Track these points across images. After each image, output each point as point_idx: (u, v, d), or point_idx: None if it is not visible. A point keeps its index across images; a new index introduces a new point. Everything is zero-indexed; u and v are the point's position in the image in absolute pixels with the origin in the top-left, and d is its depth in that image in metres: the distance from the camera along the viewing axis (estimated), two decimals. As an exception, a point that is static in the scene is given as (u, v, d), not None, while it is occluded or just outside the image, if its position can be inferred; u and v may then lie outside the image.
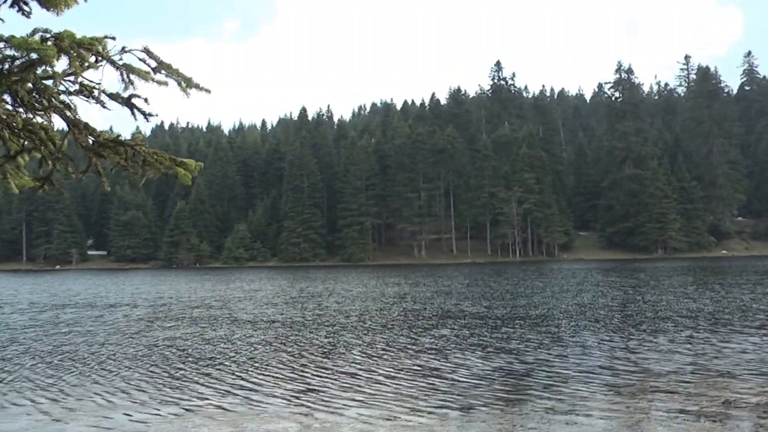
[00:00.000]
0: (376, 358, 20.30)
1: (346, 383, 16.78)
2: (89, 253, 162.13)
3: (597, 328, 26.25)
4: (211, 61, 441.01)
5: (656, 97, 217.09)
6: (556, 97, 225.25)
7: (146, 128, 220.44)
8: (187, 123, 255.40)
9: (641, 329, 25.56)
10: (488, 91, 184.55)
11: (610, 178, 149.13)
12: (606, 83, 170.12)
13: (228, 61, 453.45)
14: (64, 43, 4.90)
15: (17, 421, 13.93)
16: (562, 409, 13.57)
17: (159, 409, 14.53)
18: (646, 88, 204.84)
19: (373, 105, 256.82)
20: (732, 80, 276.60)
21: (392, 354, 21.11)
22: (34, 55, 4.92)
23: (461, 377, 17.12)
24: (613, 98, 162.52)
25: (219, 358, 21.16)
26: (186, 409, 14.51)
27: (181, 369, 19.45)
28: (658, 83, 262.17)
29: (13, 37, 4.91)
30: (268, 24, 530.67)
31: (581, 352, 20.54)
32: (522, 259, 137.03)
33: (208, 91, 5.60)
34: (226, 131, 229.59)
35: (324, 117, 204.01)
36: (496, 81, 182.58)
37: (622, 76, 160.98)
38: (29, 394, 16.30)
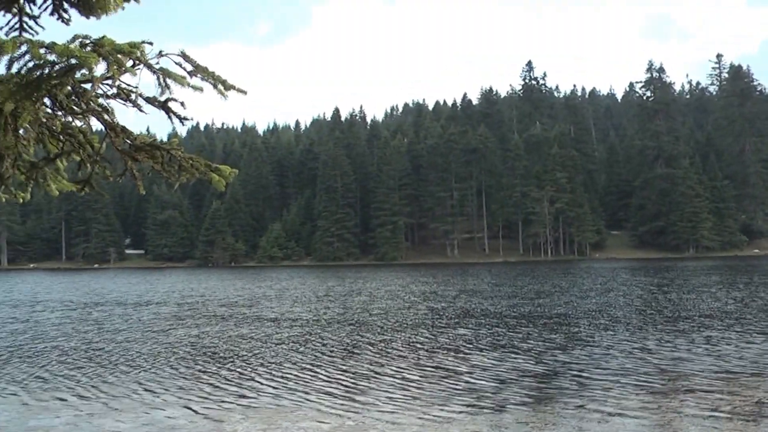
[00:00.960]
0: (405, 358, 20.31)
1: (376, 382, 16.82)
2: (127, 251, 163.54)
3: (624, 327, 26.08)
4: (245, 63, 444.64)
5: (688, 96, 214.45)
6: (587, 96, 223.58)
7: (182, 129, 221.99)
8: (222, 124, 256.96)
9: (669, 329, 25.34)
10: (519, 91, 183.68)
11: (641, 178, 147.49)
12: (637, 82, 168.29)
13: (262, 63, 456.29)
14: (103, 49, 4.95)
15: (58, 416, 14.12)
16: (593, 408, 13.51)
17: (194, 407, 14.65)
18: (677, 87, 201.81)
19: (406, 105, 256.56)
20: (764, 78, 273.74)
21: (421, 353, 21.10)
22: (73, 60, 4.94)
23: (491, 376, 17.07)
24: (645, 97, 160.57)
25: (250, 356, 21.27)
26: (221, 407, 14.60)
27: (213, 367, 19.57)
28: (690, 82, 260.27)
29: (54, 44, 4.94)
30: (302, 26, 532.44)
31: (609, 352, 20.43)
32: (554, 258, 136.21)
33: (244, 92, 5.58)
34: (260, 132, 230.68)
35: (357, 117, 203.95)
36: (527, 81, 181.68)
37: (654, 75, 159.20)
38: (68, 391, 16.49)
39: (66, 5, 5.67)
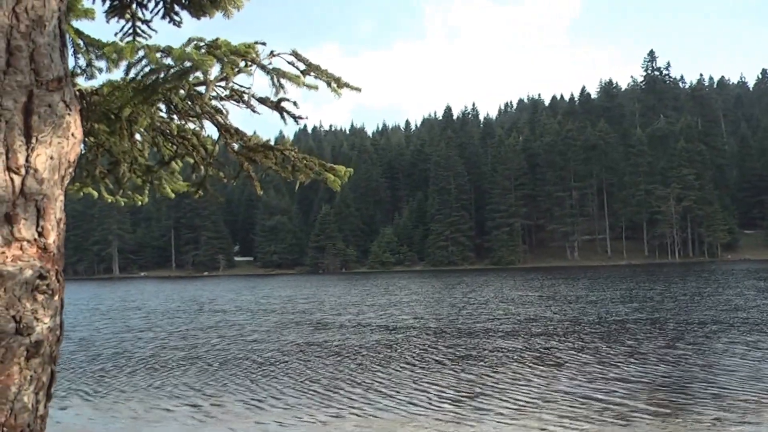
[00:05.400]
0: (516, 365, 20.28)
1: (490, 390, 16.84)
2: (236, 259, 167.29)
3: (756, 335, 25.31)
4: (351, 63, 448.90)
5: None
6: (715, 86, 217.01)
7: (289, 132, 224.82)
8: (330, 126, 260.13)
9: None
10: (642, 82, 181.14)
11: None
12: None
13: (369, 63, 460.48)
14: (218, 51, 5.05)
15: (168, 425, 14.71)
16: (730, 420, 13.17)
17: (304, 414, 14.95)
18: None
19: (520, 101, 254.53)
20: None
21: (535, 361, 21.08)
22: (188, 63, 5.07)
23: (616, 385, 16.88)
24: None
25: (354, 363, 21.64)
26: (333, 415, 14.86)
27: (317, 374, 19.98)
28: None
29: (171, 48, 5.11)
30: (410, 25, 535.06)
31: (744, 360, 19.95)
32: (682, 260, 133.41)
33: (358, 89, 5.56)
34: (369, 133, 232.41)
35: (469, 116, 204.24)
36: (649, 72, 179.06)
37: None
38: (175, 400, 17.14)
39: (177, 7, 5.76)
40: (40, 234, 2.21)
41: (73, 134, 2.41)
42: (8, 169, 2.06)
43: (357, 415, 14.89)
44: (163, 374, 21.05)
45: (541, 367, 19.82)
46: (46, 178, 2.27)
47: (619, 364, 20.04)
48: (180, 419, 15.18)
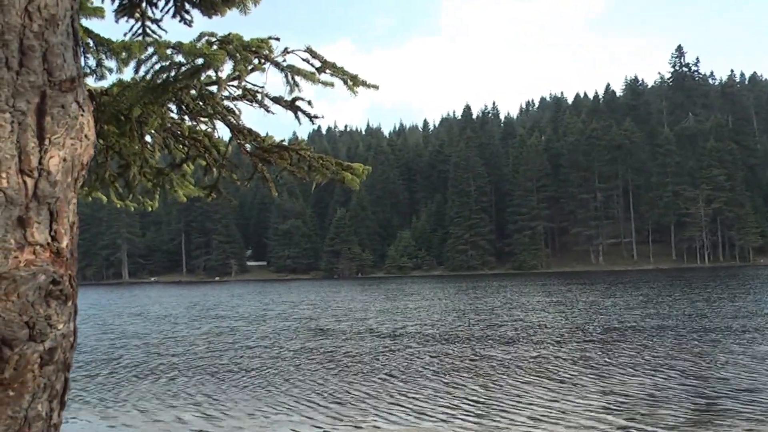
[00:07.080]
0: (514, 376, 19.98)
1: (516, 399, 16.65)
2: (248, 263, 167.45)
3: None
4: (365, 59, 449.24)
5: None
6: (747, 82, 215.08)
7: (303, 133, 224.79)
8: (345, 126, 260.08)
9: None
10: (669, 79, 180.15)
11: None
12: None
13: (385, 60, 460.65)
14: (230, 46, 5.06)
15: None
16: None
17: (324, 426, 14.80)
18: None
19: (542, 100, 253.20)
20: None
21: (563, 370, 20.84)
22: (199, 61, 5.08)
23: (644, 396, 16.63)
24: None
25: (366, 372, 21.53)
26: (349, 426, 14.72)
27: (333, 383, 19.86)
28: None
29: (181, 43, 5.12)
30: (427, 22, 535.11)
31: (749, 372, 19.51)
32: (711, 264, 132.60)
33: (375, 87, 5.58)
34: (386, 133, 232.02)
35: (489, 115, 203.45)
36: (677, 68, 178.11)
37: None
38: (187, 409, 17.00)
39: (188, 6, 5.80)
40: (53, 238, 2.28)
41: (86, 136, 2.42)
42: (21, 171, 2.05)
43: (374, 424, 14.78)
44: (156, 382, 21.06)
45: (538, 378, 19.65)
46: (60, 181, 2.28)
47: (619, 375, 19.84)
48: (193, 428, 15.11)
